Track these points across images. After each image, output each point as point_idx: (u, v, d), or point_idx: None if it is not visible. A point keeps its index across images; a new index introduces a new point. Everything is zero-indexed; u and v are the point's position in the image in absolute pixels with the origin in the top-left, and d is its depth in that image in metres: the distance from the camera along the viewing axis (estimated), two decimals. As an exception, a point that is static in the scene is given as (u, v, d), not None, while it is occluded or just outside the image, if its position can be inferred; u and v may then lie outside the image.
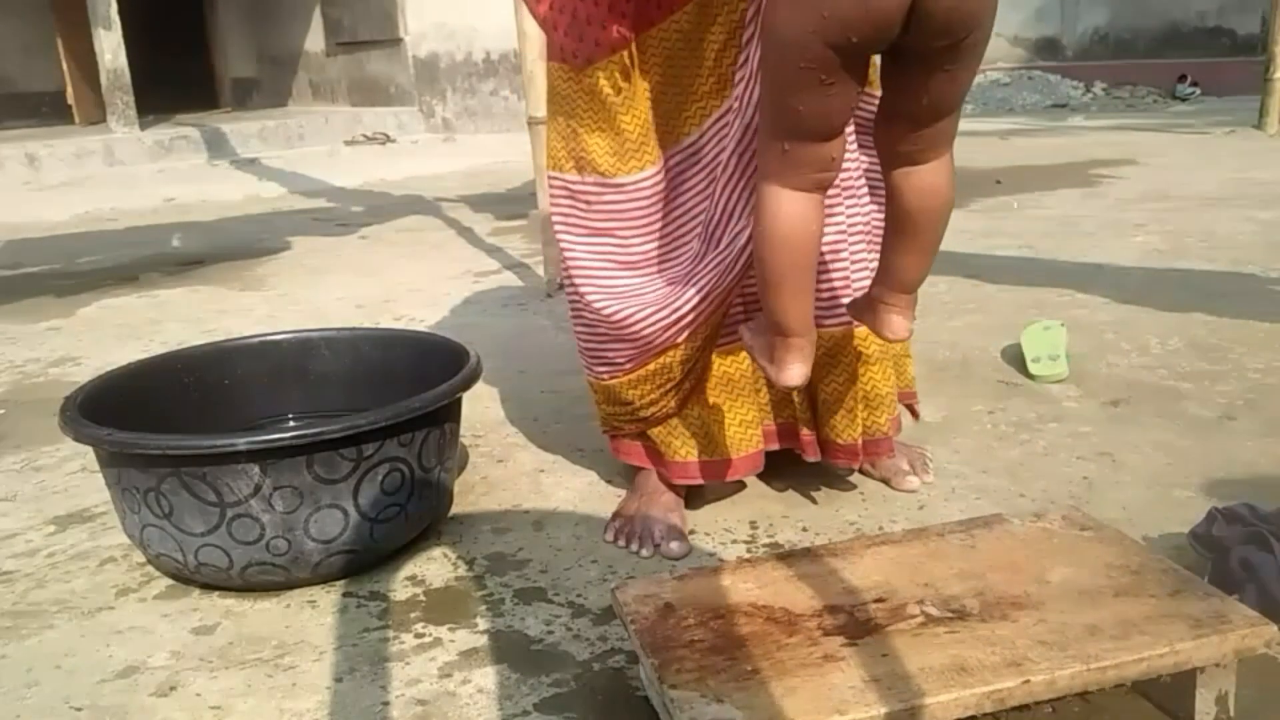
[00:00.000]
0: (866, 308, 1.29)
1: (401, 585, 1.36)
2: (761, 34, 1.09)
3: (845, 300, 1.38)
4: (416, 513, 1.40)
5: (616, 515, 1.49)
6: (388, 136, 8.07)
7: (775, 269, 1.15)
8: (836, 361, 1.42)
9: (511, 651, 1.19)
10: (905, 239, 1.19)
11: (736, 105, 1.30)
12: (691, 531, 1.45)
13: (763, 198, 1.14)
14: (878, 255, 1.32)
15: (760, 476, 1.60)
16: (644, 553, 1.40)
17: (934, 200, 1.15)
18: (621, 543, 1.43)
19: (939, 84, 1.05)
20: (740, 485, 1.57)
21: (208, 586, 1.36)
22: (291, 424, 1.63)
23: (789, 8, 1.01)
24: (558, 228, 1.47)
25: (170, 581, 1.40)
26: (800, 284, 1.17)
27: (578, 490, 1.62)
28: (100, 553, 1.50)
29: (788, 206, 1.11)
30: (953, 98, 1.07)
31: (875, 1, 0.96)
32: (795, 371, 1.20)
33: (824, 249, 1.47)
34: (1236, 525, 1.19)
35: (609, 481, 1.64)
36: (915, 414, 1.63)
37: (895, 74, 1.08)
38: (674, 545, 1.40)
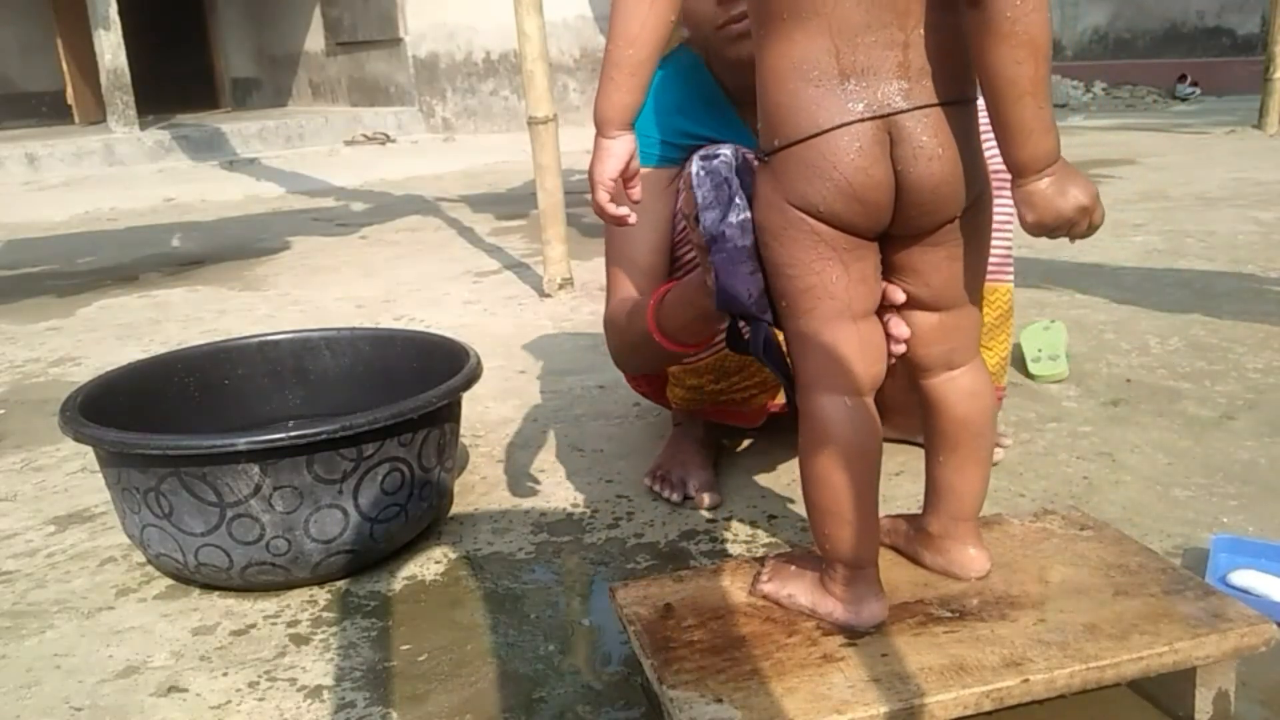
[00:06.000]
0: (927, 547, 1.11)
1: (401, 585, 1.36)
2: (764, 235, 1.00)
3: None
4: (416, 513, 1.40)
5: (656, 466, 1.60)
6: (388, 136, 8.08)
7: (842, 491, 1.00)
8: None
9: (512, 652, 1.19)
10: (960, 452, 1.07)
11: None
12: (691, 531, 1.45)
13: (820, 411, 1.00)
14: None
15: (760, 477, 1.61)
16: (674, 498, 1.52)
17: (982, 401, 1.07)
18: (658, 488, 1.55)
19: (942, 265, 1.00)
20: (740, 482, 1.58)
21: (208, 586, 1.37)
22: (291, 424, 1.63)
23: (786, 195, 0.96)
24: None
25: (170, 581, 1.40)
26: (873, 502, 1.01)
27: (578, 490, 1.62)
28: (100, 553, 1.50)
29: (854, 414, 1.00)
30: (961, 281, 1.02)
31: (863, 192, 0.93)
32: (879, 608, 1.01)
33: None
34: None
35: (609, 481, 1.64)
36: None
37: (899, 263, 1.02)
38: (706, 496, 1.50)
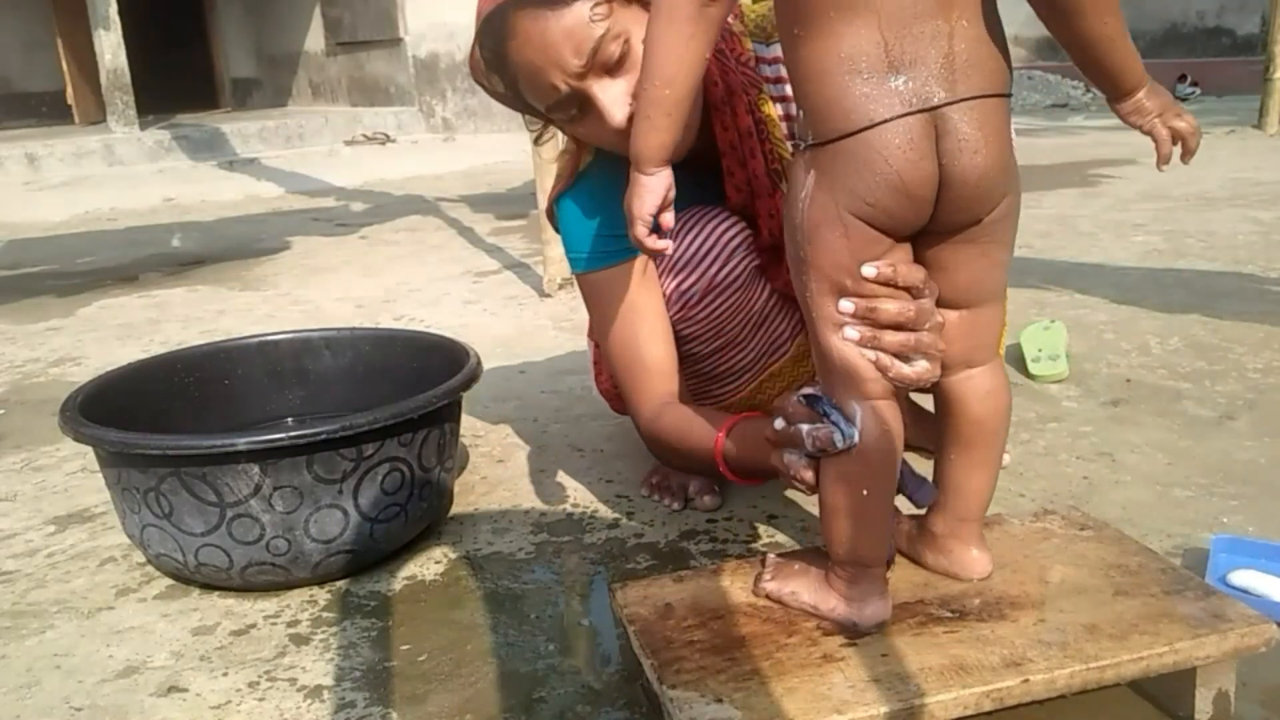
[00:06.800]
0: (929, 547, 1.11)
1: (401, 585, 1.36)
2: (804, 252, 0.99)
3: None
4: (416, 513, 1.40)
5: (653, 472, 1.59)
6: (388, 136, 8.08)
7: (861, 493, 1.00)
8: None
9: (512, 652, 1.19)
10: (972, 452, 1.07)
11: None
12: (691, 531, 1.45)
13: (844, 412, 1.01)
14: None
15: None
16: (675, 505, 1.51)
17: (998, 401, 1.07)
18: (656, 496, 1.55)
19: (973, 261, 1.01)
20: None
21: (208, 586, 1.37)
22: (291, 424, 1.64)
23: (824, 205, 0.96)
24: None
25: (170, 581, 1.40)
26: (890, 505, 1.02)
27: (578, 490, 1.62)
28: (100, 553, 1.50)
29: (879, 416, 0.99)
30: (990, 278, 1.03)
31: (913, 186, 0.93)
32: (882, 606, 1.02)
33: None
34: None
35: (609, 481, 1.64)
36: None
37: (930, 259, 1.02)
38: (706, 499, 1.50)
